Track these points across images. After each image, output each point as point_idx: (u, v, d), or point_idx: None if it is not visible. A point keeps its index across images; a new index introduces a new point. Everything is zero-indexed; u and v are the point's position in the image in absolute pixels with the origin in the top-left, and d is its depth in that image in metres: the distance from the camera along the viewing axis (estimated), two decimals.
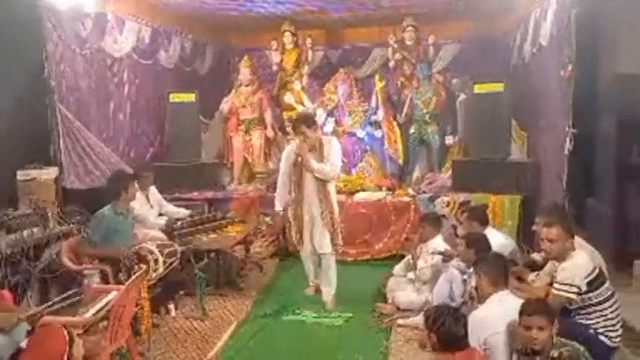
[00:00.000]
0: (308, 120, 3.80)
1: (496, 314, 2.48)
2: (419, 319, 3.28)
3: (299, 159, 3.75)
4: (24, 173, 3.80)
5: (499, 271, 2.64)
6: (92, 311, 2.57)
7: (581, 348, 2.20)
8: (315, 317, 3.71)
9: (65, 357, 1.81)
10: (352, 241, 5.06)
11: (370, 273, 4.68)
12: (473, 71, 5.78)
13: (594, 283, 2.62)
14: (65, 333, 1.87)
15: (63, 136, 4.17)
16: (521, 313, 2.24)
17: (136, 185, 3.82)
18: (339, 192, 5.34)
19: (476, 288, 2.82)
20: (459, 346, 2.23)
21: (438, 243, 3.86)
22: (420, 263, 3.87)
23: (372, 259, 5.02)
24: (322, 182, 3.75)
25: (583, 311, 2.62)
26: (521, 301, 2.54)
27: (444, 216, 4.85)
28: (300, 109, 6.17)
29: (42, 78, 4.00)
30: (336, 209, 3.87)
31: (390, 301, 3.90)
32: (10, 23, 3.63)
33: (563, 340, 2.22)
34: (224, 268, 4.30)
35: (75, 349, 1.88)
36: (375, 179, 5.60)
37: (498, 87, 4.99)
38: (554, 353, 2.13)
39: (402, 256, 4.39)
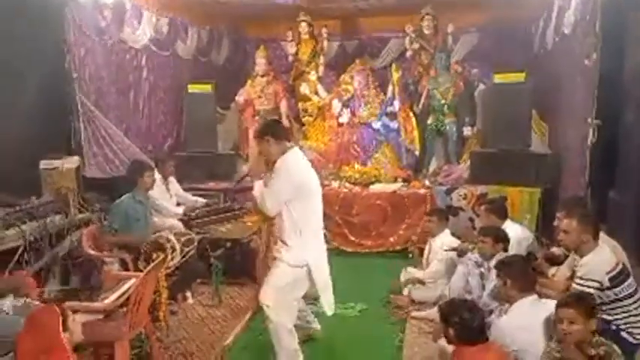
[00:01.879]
0: (261, 130, 2.87)
1: (532, 322, 2.40)
2: (433, 312, 3.27)
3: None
4: (46, 162, 3.88)
5: (528, 276, 2.56)
6: (112, 297, 2.63)
7: (619, 351, 2.13)
8: None
9: (60, 330, 1.85)
10: (367, 232, 5.07)
11: (385, 265, 4.67)
12: (493, 61, 5.67)
13: (617, 279, 2.55)
14: (57, 309, 1.91)
15: (84, 125, 4.24)
16: (556, 306, 2.23)
17: (156, 175, 3.88)
18: (354, 183, 5.37)
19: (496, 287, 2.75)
20: (477, 339, 2.20)
21: (450, 239, 3.83)
22: (432, 265, 3.83)
23: (387, 251, 5.00)
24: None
25: (605, 307, 2.55)
26: (552, 304, 2.48)
27: (461, 208, 4.81)
28: (315, 99, 6.15)
29: (63, 68, 4.06)
30: (283, 258, 2.75)
31: (405, 293, 3.89)
32: (31, 14, 3.68)
33: (602, 339, 2.15)
34: (240, 257, 4.33)
35: (70, 323, 1.92)
36: (390, 171, 5.56)
37: (519, 77, 4.88)
38: (592, 352, 2.08)
39: (420, 250, 4.36)
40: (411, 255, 4.70)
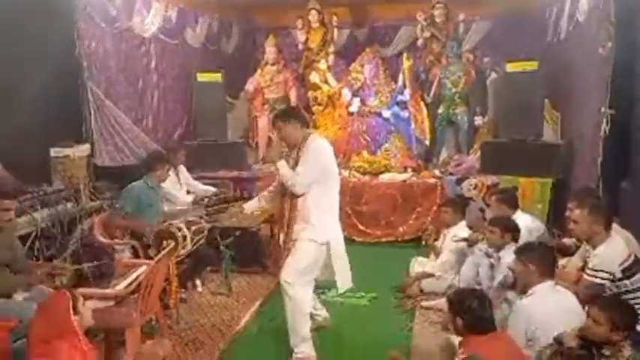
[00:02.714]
0: (286, 114, 3.01)
1: (551, 307, 2.37)
2: (443, 302, 3.26)
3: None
4: (57, 150, 3.92)
5: (549, 261, 2.52)
6: (123, 284, 2.66)
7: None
8: (339, 297, 3.73)
9: (71, 313, 1.88)
10: (377, 222, 5.06)
11: (395, 254, 4.67)
12: (505, 49, 5.59)
13: (630, 270, 2.53)
14: (67, 293, 1.94)
15: (94, 114, 4.26)
16: (589, 301, 2.22)
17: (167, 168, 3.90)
18: (364, 173, 5.36)
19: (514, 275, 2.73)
20: (485, 329, 2.19)
21: (463, 229, 3.80)
22: (443, 255, 3.81)
23: (396, 241, 5.00)
24: (299, 196, 2.88)
25: None
26: (568, 294, 2.46)
27: (471, 199, 4.77)
28: (325, 88, 6.12)
29: (73, 57, 4.07)
30: (307, 238, 2.86)
31: (415, 283, 3.88)
32: (41, 2, 3.69)
33: (628, 345, 2.10)
34: (250, 246, 4.36)
35: (80, 306, 1.95)
36: (400, 160, 5.52)
37: (532, 65, 4.80)
38: (606, 352, 2.07)
39: (436, 239, 4.34)
40: (424, 243, 4.69)
